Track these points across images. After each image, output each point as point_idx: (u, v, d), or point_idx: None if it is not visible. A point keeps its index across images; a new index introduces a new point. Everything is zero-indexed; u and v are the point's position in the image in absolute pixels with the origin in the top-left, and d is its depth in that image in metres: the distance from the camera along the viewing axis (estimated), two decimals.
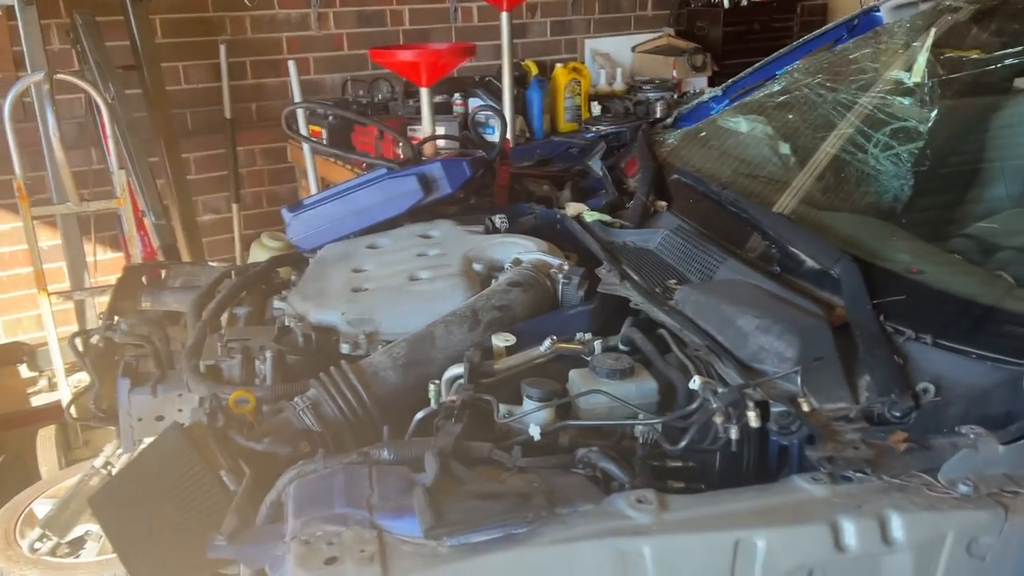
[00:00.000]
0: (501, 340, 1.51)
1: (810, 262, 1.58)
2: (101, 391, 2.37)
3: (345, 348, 1.62)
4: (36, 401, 4.24)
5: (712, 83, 5.95)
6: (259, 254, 2.20)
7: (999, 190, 2.20)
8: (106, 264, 4.58)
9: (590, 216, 1.97)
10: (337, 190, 2.04)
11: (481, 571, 1.02)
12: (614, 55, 5.90)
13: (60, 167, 3.18)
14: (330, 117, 4.62)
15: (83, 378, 3.64)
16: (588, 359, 1.54)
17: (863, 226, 1.85)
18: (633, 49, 5.97)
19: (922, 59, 2.21)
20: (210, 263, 2.34)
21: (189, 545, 1.29)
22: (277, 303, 1.78)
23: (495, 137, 4.69)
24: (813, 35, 2.75)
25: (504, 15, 3.98)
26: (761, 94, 2.38)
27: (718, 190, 1.86)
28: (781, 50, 2.73)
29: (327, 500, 1.16)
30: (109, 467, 2.53)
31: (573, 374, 1.46)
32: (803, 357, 1.33)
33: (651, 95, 5.50)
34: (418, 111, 4.75)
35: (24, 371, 4.21)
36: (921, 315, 1.40)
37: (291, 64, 3.92)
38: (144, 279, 2.42)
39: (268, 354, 1.60)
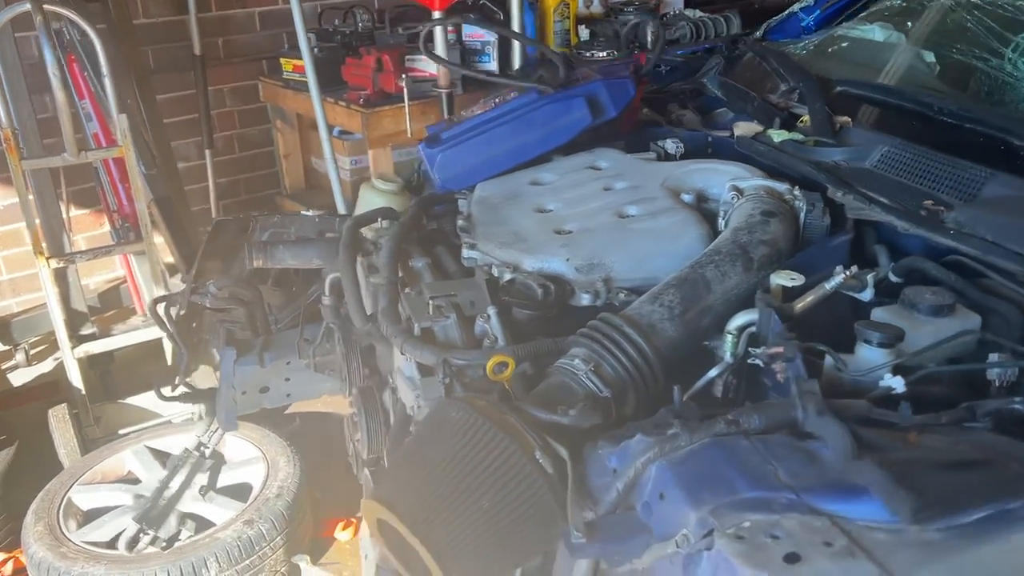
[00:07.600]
0: (786, 279, 1.32)
1: None
2: (190, 364, 2.08)
3: (586, 299, 1.39)
4: (13, 378, 3.83)
5: (687, 3, 5.76)
6: (372, 199, 1.92)
7: None
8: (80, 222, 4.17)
9: (778, 136, 1.77)
10: (481, 120, 1.77)
11: (999, 558, 0.84)
12: None
13: (62, 113, 2.76)
14: (316, 49, 4.24)
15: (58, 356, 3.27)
16: (857, 296, 1.38)
17: None
18: None
19: None
20: (303, 212, 2.05)
21: (511, 541, 1.08)
22: (468, 252, 1.53)
23: (491, 66, 4.42)
24: None
25: None
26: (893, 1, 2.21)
27: (928, 100, 1.69)
28: None
29: (726, 482, 0.96)
30: (202, 449, 2.22)
31: (879, 312, 1.28)
32: None
33: (632, 18, 5.28)
34: (409, 40, 4.43)
35: None
36: None
37: None
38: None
39: (492, 311, 1.37)
